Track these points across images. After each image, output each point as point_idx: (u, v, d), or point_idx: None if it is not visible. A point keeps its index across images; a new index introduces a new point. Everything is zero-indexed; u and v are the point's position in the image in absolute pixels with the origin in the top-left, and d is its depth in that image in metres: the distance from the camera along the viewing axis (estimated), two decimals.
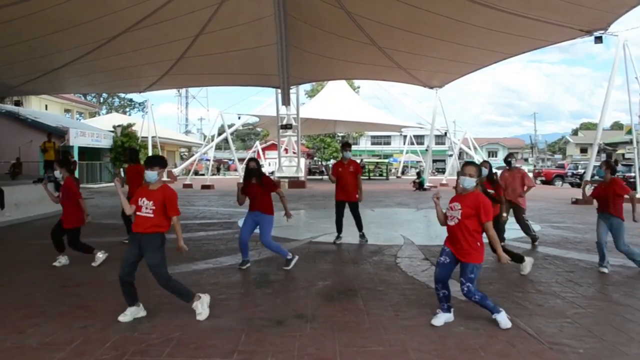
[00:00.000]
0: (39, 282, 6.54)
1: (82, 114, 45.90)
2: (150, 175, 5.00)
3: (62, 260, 7.59)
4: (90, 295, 5.93)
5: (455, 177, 5.33)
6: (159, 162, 5.09)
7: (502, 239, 9.18)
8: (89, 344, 4.33)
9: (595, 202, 7.53)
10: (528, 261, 7.08)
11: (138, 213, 4.98)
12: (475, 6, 9.35)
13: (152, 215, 4.94)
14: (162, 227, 5.01)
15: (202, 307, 5.06)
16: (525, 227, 9.25)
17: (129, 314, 4.94)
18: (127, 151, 9.41)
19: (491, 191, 6.78)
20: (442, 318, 4.91)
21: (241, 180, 7.66)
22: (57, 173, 7.48)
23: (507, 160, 9.29)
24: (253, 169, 7.26)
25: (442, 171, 55.16)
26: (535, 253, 8.63)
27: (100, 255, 7.64)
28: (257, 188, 7.21)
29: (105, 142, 32.23)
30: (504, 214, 7.76)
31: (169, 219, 5.04)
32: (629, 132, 37.57)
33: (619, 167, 28.79)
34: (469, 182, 4.82)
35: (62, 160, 7.97)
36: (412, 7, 9.99)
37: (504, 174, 9.13)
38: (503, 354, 4.17)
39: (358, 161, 12.69)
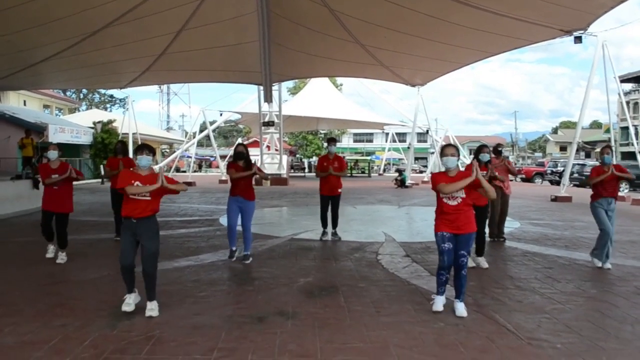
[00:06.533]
0: (16, 280, 6.44)
1: (62, 110, 45.12)
2: (144, 160, 5.11)
3: (53, 249, 7.55)
4: (69, 293, 5.85)
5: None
6: (150, 148, 5.25)
7: (501, 232, 9.41)
8: (67, 342, 4.27)
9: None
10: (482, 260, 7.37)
11: (132, 197, 5.00)
12: (457, 5, 9.41)
13: (149, 198, 5.03)
14: (156, 209, 5.15)
15: (157, 307, 5.05)
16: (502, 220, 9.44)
17: (132, 302, 5.02)
18: (118, 144, 9.54)
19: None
20: (440, 302, 5.18)
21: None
22: (52, 154, 7.39)
23: (497, 150, 9.58)
24: (241, 153, 7.65)
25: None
26: (514, 250, 8.74)
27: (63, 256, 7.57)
28: (242, 171, 7.52)
29: (85, 139, 31.76)
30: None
31: (159, 201, 5.18)
32: (607, 131, 38.15)
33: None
34: (453, 161, 5.15)
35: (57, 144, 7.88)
36: (395, 5, 10.01)
37: (493, 161, 9.32)
38: (483, 350, 4.21)
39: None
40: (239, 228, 7.66)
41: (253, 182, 7.86)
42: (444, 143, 35.26)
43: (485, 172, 7.14)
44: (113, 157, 9.27)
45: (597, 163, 7.84)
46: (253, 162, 7.76)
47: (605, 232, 7.20)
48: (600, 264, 7.25)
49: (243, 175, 7.51)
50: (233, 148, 8.04)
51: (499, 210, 9.27)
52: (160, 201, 5.26)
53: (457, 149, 5.40)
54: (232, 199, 7.59)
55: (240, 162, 7.57)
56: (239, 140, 46.81)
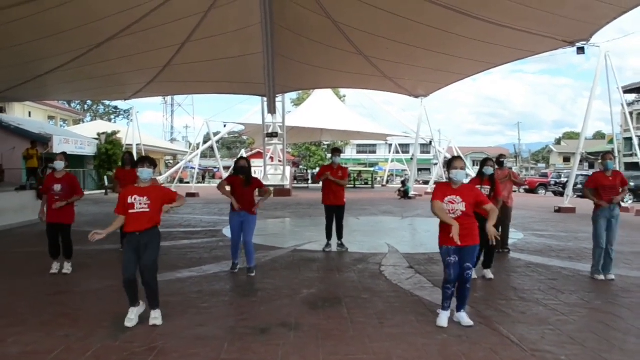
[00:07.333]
0: (20, 290, 6.46)
1: (66, 121, 45.35)
2: (146, 172, 5.14)
3: (57, 266, 7.49)
4: (72, 304, 5.86)
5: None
6: (151, 160, 5.30)
7: (505, 243, 9.38)
8: (70, 352, 4.28)
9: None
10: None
11: (131, 211, 5.01)
12: (460, 16, 9.45)
13: (148, 210, 5.04)
14: (157, 220, 5.17)
15: (160, 315, 5.10)
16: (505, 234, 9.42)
17: (134, 317, 5.00)
18: (126, 155, 9.61)
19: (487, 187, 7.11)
20: (445, 317, 5.10)
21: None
22: (58, 164, 7.42)
23: (499, 161, 9.54)
24: (243, 167, 7.49)
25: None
26: (518, 261, 8.71)
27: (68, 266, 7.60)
28: (242, 186, 7.39)
29: (90, 150, 31.89)
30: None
31: (160, 213, 5.20)
32: (611, 141, 38.11)
33: None
34: (462, 175, 5.18)
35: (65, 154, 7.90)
36: (398, 17, 10.07)
37: (496, 172, 9.29)
38: None
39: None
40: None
41: (256, 194, 7.72)
42: (448, 155, 35.35)
43: (488, 186, 7.15)
44: (121, 168, 9.30)
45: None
46: (254, 173, 7.73)
47: (599, 247, 7.21)
48: (602, 277, 7.21)
49: (227, 194, 7.42)
50: (234, 161, 8.00)
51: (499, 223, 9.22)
52: (162, 212, 5.27)
53: (465, 163, 5.43)
54: (233, 212, 7.46)
55: (241, 176, 7.44)
56: (242, 153, 47.04)
